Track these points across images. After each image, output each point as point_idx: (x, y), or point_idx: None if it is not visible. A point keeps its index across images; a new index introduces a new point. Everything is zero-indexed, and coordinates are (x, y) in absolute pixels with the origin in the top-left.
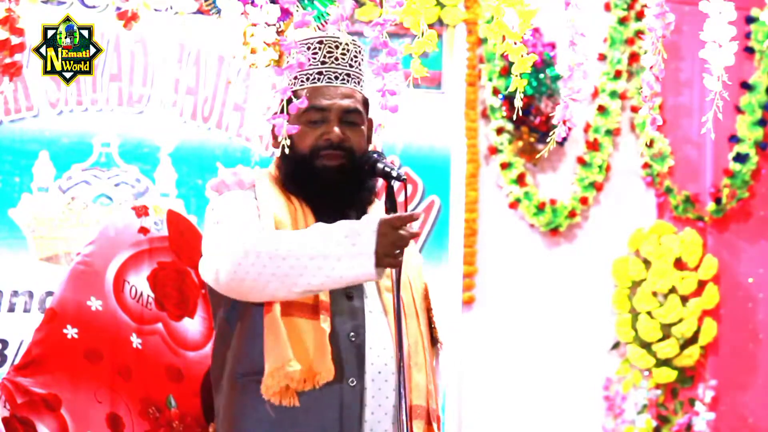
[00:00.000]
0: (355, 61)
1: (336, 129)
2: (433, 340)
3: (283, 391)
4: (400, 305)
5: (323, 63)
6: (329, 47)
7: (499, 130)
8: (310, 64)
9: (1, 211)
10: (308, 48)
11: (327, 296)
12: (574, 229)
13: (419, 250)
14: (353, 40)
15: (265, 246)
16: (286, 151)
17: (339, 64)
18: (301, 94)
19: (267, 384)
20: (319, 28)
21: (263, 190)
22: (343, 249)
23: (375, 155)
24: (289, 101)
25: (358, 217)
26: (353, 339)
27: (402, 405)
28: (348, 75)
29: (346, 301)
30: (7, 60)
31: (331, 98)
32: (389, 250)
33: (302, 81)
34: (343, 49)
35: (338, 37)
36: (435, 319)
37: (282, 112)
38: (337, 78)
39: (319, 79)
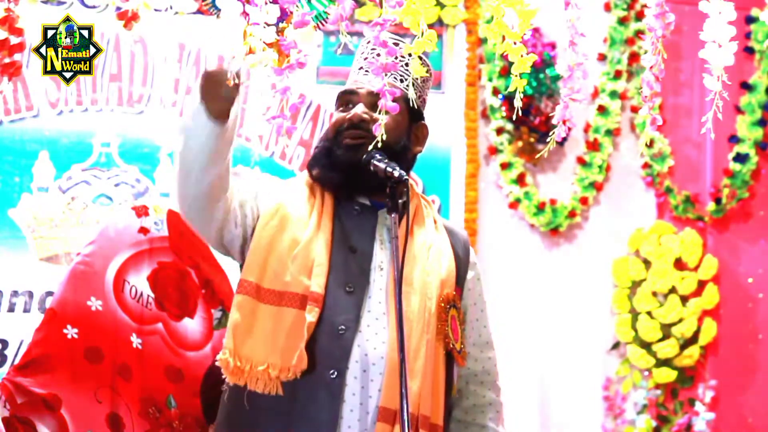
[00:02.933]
0: (401, 62)
1: (357, 109)
2: (449, 353)
3: (267, 380)
4: (401, 311)
5: (365, 59)
6: (373, 45)
7: (499, 130)
8: (355, 63)
9: (1, 211)
10: (361, 53)
11: (321, 288)
12: (574, 229)
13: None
14: (401, 41)
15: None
16: (287, 145)
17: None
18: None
19: (220, 359)
20: (319, 28)
21: (291, 183)
22: (190, 111)
23: (377, 154)
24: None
25: (383, 204)
26: (342, 332)
27: (404, 407)
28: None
29: (345, 294)
30: (7, 60)
31: (362, 83)
32: (207, 96)
33: (348, 79)
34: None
35: (386, 38)
36: (463, 332)
37: (282, 112)
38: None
39: (358, 74)
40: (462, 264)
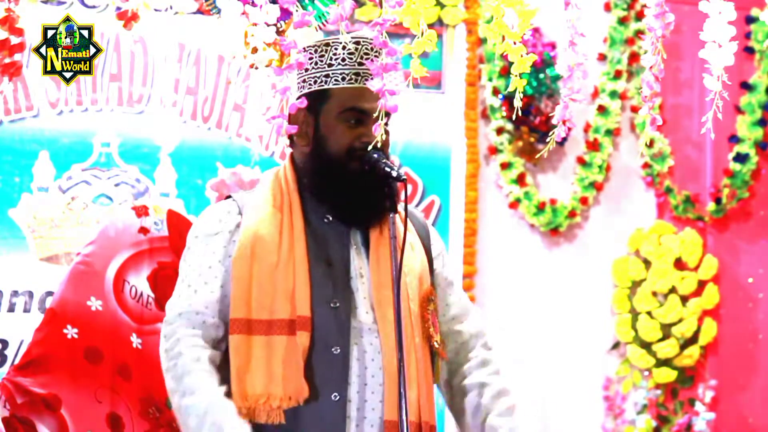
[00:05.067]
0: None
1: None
2: (433, 353)
3: (270, 410)
4: (400, 315)
5: (360, 64)
6: (366, 48)
7: (499, 130)
8: (346, 63)
9: (1, 211)
10: (343, 48)
11: (307, 310)
12: (574, 229)
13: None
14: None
15: (176, 387)
16: (287, 144)
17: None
18: (336, 92)
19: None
20: (320, 28)
21: (252, 207)
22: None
23: (375, 155)
24: (317, 96)
25: (365, 228)
26: (336, 352)
27: (402, 414)
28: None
29: (331, 312)
30: (7, 60)
31: (374, 101)
32: None
33: (336, 80)
34: (377, 51)
35: (371, 39)
36: (441, 329)
37: (282, 111)
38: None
39: (356, 80)
40: (428, 251)
